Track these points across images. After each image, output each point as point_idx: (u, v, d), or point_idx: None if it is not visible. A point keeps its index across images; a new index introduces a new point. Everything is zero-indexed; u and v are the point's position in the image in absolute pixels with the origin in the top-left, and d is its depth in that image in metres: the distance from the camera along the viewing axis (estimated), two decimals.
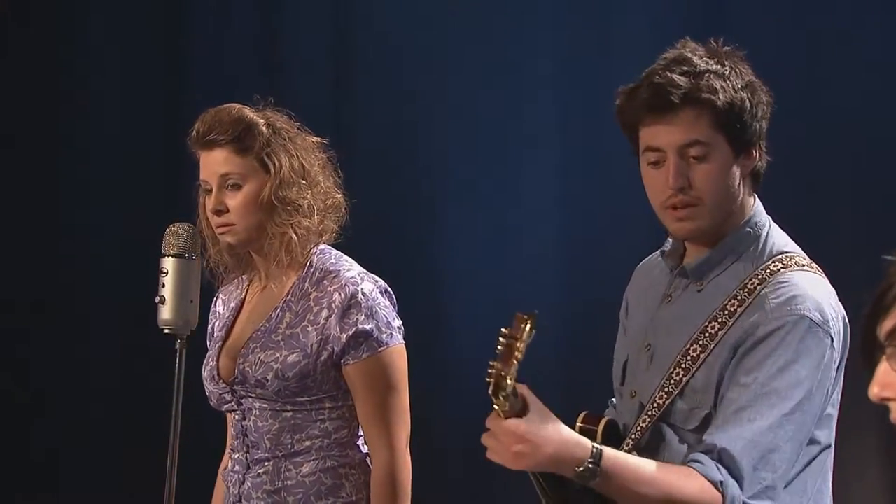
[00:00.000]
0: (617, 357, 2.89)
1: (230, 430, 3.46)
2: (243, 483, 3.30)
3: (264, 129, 3.28)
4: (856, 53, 4.49)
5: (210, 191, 3.28)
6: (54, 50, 5.08)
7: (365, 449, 3.31)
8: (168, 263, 2.96)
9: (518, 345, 2.38)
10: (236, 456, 3.33)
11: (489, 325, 4.75)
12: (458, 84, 4.86)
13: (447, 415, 4.81)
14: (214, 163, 3.27)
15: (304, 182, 3.29)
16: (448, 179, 4.88)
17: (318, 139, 3.38)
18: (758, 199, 2.72)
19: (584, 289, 4.72)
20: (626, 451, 2.63)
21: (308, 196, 3.29)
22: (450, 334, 4.85)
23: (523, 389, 2.45)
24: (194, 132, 3.28)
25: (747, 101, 2.62)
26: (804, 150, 4.40)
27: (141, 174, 4.97)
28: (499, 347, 2.39)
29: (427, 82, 4.90)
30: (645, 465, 2.50)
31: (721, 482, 2.48)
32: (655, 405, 2.62)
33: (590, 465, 2.44)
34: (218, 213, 3.26)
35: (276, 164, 3.26)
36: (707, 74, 2.60)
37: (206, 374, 3.36)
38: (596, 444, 2.46)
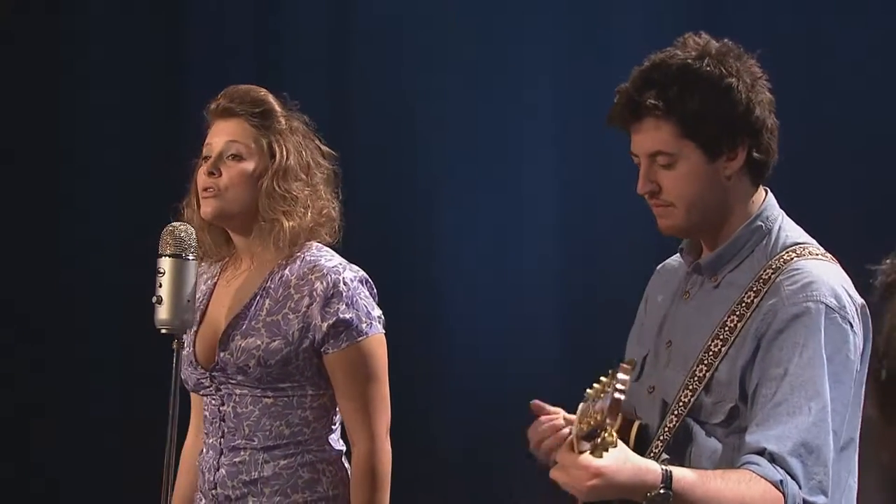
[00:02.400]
0: (631, 352, 2.90)
1: (196, 411, 3.49)
2: (217, 469, 3.31)
3: (282, 119, 3.32)
4: (854, 53, 4.48)
5: (208, 157, 3.30)
6: (55, 50, 5.08)
7: (339, 445, 3.34)
8: (165, 263, 2.96)
9: (622, 398, 2.36)
10: (210, 441, 3.33)
11: (488, 325, 4.80)
12: (457, 84, 4.86)
13: (447, 415, 4.81)
14: (225, 130, 3.30)
15: (305, 178, 3.31)
16: (447, 179, 4.88)
17: (329, 150, 3.40)
18: (769, 194, 2.74)
19: (583, 289, 4.71)
20: (655, 453, 2.64)
21: (307, 193, 3.31)
22: (449, 335, 4.85)
23: None
24: (216, 103, 3.33)
25: (728, 102, 2.63)
26: (804, 149, 4.39)
27: (141, 175, 4.97)
28: (594, 389, 2.38)
29: (426, 82, 4.90)
30: (710, 479, 2.52)
31: (781, 481, 2.50)
32: (681, 403, 2.64)
33: (661, 491, 2.46)
34: (210, 174, 3.27)
35: (284, 153, 3.29)
36: (675, 84, 2.63)
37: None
38: (665, 468, 2.48)
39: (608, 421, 2.35)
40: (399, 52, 4.93)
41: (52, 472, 5.03)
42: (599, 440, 2.36)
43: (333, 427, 3.34)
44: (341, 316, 3.24)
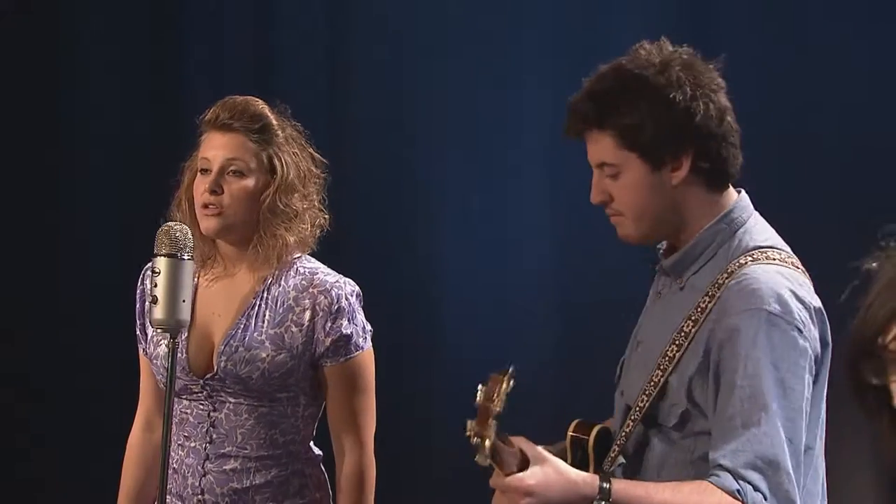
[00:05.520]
0: None
1: (148, 406, 3.49)
2: (204, 475, 3.32)
3: (279, 131, 3.33)
4: (845, 57, 4.48)
5: (207, 171, 3.30)
6: (55, 49, 5.08)
7: (317, 450, 3.40)
8: (160, 263, 2.96)
9: (493, 407, 2.42)
10: (192, 444, 3.34)
11: (487, 325, 4.79)
12: (456, 84, 4.86)
13: (444, 415, 4.80)
14: (225, 145, 3.29)
15: (303, 190, 3.33)
16: (446, 180, 4.88)
17: (321, 158, 3.41)
18: (741, 195, 2.72)
19: (581, 290, 4.71)
20: (612, 457, 2.64)
21: (306, 206, 3.34)
22: (447, 335, 4.85)
23: (520, 441, 2.50)
24: (213, 115, 3.32)
25: (665, 113, 2.62)
26: (793, 152, 4.39)
27: (140, 175, 4.97)
28: (477, 397, 2.43)
29: (424, 82, 4.90)
30: (658, 491, 2.52)
31: (738, 490, 2.50)
32: (639, 408, 2.64)
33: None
34: (213, 192, 3.28)
35: (284, 168, 3.30)
36: (612, 96, 2.63)
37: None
38: (604, 482, 2.49)
39: (476, 428, 2.42)
40: (398, 51, 4.93)
41: (52, 472, 5.03)
42: (478, 449, 2.43)
43: (314, 433, 3.40)
44: (344, 331, 3.30)
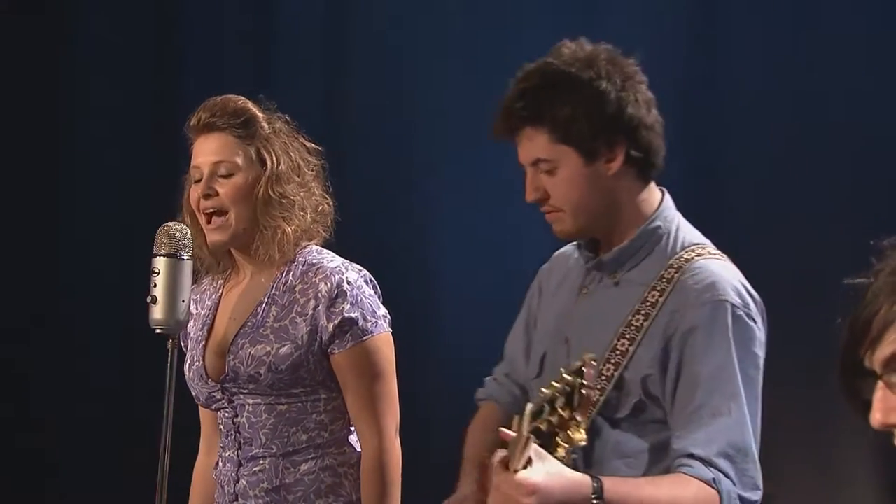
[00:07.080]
0: (513, 342, 2.97)
1: (207, 428, 3.49)
2: (238, 481, 3.29)
3: (265, 124, 3.30)
4: (850, 52, 4.47)
5: (199, 180, 3.27)
6: (55, 50, 5.09)
7: (359, 447, 3.31)
8: (160, 263, 2.96)
9: (592, 394, 2.41)
10: (227, 454, 3.32)
11: (484, 324, 4.78)
12: (453, 84, 4.86)
13: (442, 414, 4.80)
14: (210, 149, 3.27)
15: (298, 179, 3.30)
16: (442, 178, 4.88)
17: (315, 146, 3.39)
18: (666, 194, 2.79)
19: None
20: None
21: (303, 194, 3.30)
22: (447, 335, 4.85)
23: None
24: (196, 119, 3.29)
25: (597, 105, 2.67)
26: (799, 149, 4.39)
27: (140, 175, 4.97)
28: (556, 385, 2.41)
29: (422, 80, 4.91)
30: (642, 486, 2.58)
31: (713, 479, 2.55)
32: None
33: (594, 501, 2.50)
34: (207, 196, 3.25)
35: (274, 159, 3.27)
36: (544, 91, 2.69)
37: (191, 374, 3.36)
38: (596, 479, 2.51)
39: (578, 418, 2.40)
40: (397, 50, 4.93)
41: (52, 473, 5.04)
42: (562, 436, 2.41)
43: (352, 428, 3.32)
44: (346, 315, 3.22)
